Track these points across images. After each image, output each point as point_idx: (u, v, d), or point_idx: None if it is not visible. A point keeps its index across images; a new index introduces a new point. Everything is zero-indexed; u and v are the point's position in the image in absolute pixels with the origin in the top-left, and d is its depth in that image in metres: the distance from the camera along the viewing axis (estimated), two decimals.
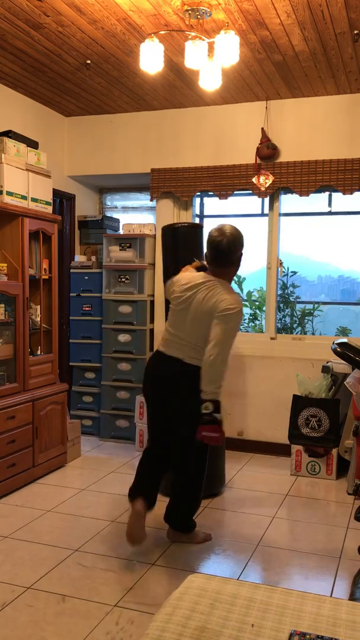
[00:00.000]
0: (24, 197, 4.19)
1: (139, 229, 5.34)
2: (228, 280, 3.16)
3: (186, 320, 3.09)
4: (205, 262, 3.27)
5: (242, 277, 5.49)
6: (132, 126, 5.32)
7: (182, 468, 3.27)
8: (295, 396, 4.53)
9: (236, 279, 5.41)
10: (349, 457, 4.30)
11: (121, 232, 5.65)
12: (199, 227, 4.17)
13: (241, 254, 3.14)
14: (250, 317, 5.52)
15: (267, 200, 5.11)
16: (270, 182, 4.84)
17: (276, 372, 4.98)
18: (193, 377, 2.98)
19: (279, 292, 5.22)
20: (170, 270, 4.02)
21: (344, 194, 4.71)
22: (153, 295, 5.36)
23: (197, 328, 3.05)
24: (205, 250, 3.15)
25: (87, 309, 5.49)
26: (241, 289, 5.49)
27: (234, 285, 4.21)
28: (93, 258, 5.58)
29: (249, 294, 5.50)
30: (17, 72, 4.37)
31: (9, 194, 4.03)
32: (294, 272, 5.31)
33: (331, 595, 2.77)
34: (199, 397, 2.94)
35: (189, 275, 3.23)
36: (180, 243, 4.05)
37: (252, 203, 5.21)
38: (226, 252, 3.04)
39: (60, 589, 2.78)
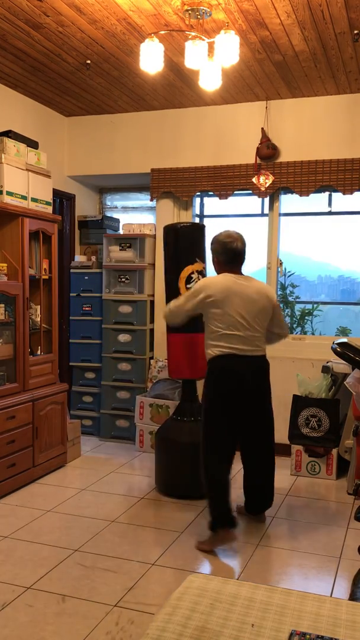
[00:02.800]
0: (24, 197, 4.19)
1: (139, 229, 5.34)
2: None
3: (248, 317, 3.32)
4: (219, 265, 3.51)
5: None
6: (132, 126, 5.32)
7: (270, 453, 3.63)
8: (295, 396, 4.53)
9: None
10: (349, 457, 4.30)
11: (121, 232, 5.65)
12: (201, 227, 4.18)
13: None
14: None
15: (267, 200, 5.11)
16: (270, 182, 4.84)
17: (276, 372, 4.95)
18: (268, 366, 3.49)
19: (279, 292, 5.22)
20: (172, 270, 4.04)
21: (344, 194, 4.71)
22: (153, 295, 5.36)
23: (263, 321, 3.41)
24: (216, 254, 3.47)
25: (87, 309, 5.48)
26: None
27: None
28: (93, 258, 5.57)
29: None
30: (17, 72, 4.37)
31: (9, 194, 4.03)
32: (292, 272, 5.31)
33: (331, 595, 2.77)
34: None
35: (221, 281, 3.37)
36: (182, 243, 4.05)
37: (252, 203, 5.21)
38: (243, 252, 3.46)
39: (60, 589, 2.78)
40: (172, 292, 4.06)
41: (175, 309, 3.51)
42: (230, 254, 3.42)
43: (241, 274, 3.46)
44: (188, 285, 4.01)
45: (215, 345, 3.32)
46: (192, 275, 4.05)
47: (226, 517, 3.26)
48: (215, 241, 3.48)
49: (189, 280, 4.03)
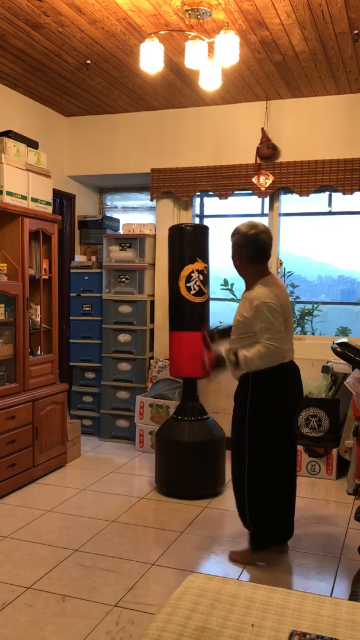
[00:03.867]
0: (24, 197, 4.19)
1: (139, 229, 5.34)
2: None
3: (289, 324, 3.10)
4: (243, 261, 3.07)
5: (230, 282, 5.48)
6: (132, 126, 5.32)
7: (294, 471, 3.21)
8: None
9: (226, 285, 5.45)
10: (349, 457, 4.30)
11: (121, 232, 5.64)
12: (205, 228, 4.21)
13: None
14: None
15: (267, 200, 5.11)
16: (270, 182, 4.84)
17: None
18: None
19: None
20: (176, 271, 4.07)
21: (344, 194, 4.71)
22: (153, 295, 5.36)
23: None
24: (239, 248, 3.02)
25: (87, 309, 5.48)
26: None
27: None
28: (93, 258, 5.57)
29: None
30: (17, 72, 4.37)
31: (9, 194, 4.03)
32: (290, 272, 5.31)
33: (331, 595, 2.77)
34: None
35: (275, 282, 3.05)
36: (187, 244, 4.09)
37: (252, 203, 5.21)
38: (270, 246, 3.04)
39: (60, 589, 2.78)
40: (172, 290, 4.09)
41: (275, 341, 2.87)
42: (257, 247, 2.97)
43: (265, 271, 3.04)
44: (187, 284, 4.04)
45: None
46: (192, 275, 4.06)
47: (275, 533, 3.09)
48: (237, 232, 3.02)
49: (188, 279, 4.06)
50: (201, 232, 4.19)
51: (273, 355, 2.85)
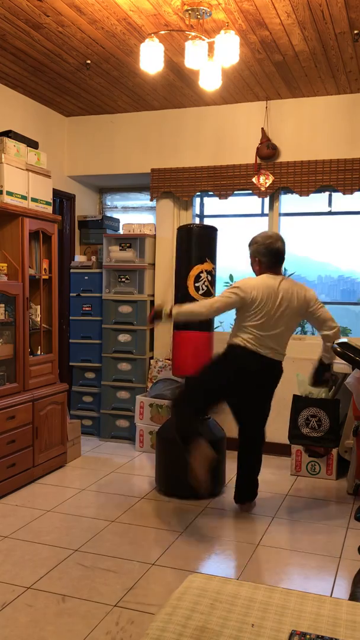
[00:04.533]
0: (24, 197, 4.19)
1: (139, 229, 5.34)
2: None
3: (281, 321, 3.47)
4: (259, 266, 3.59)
5: (236, 279, 5.50)
6: (132, 126, 5.32)
7: (261, 440, 3.81)
8: (295, 396, 4.52)
9: (230, 281, 5.44)
10: (349, 457, 4.30)
11: (121, 232, 5.64)
12: (213, 229, 4.23)
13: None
14: None
15: (267, 200, 5.11)
16: (270, 182, 4.84)
17: None
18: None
19: None
20: (185, 270, 4.08)
21: (344, 194, 4.71)
22: (153, 295, 5.37)
23: (293, 325, 3.59)
24: (258, 255, 3.54)
25: (87, 309, 5.48)
26: None
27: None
28: (93, 258, 5.58)
29: None
30: (17, 72, 4.37)
31: (9, 194, 4.03)
32: (292, 273, 5.30)
33: (331, 595, 2.77)
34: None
35: (263, 282, 3.48)
36: (196, 244, 4.10)
37: (252, 203, 5.21)
38: (284, 252, 3.58)
39: (60, 589, 2.78)
40: (180, 289, 4.09)
41: (207, 308, 3.51)
42: (274, 254, 3.51)
43: (281, 274, 3.59)
44: (196, 284, 4.06)
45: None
46: (201, 275, 4.10)
47: (194, 430, 3.48)
48: (255, 242, 3.55)
49: (197, 279, 4.08)
50: (210, 233, 4.23)
51: (196, 316, 3.61)
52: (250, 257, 3.61)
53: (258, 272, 3.57)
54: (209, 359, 3.82)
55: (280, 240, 3.53)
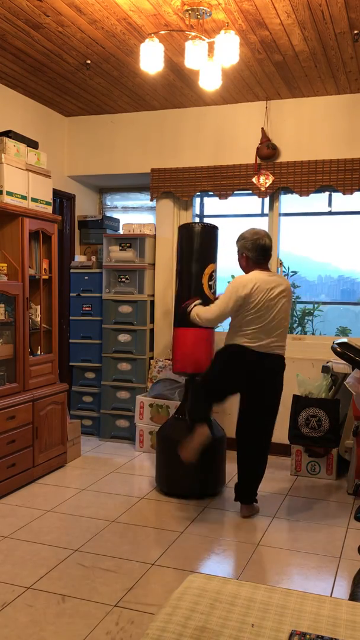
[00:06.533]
0: (24, 197, 4.19)
1: (139, 229, 5.34)
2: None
3: (277, 316, 3.54)
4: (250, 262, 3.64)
5: None
6: (132, 126, 5.32)
7: (267, 439, 3.77)
8: (295, 396, 4.52)
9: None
10: (349, 457, 4.30)
11: (121, 232, 5.64)
12: (213, 227, 4.22)
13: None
14: None
15: (267, 200, 5.11)
16: (270, 182, 4.84)
17: None
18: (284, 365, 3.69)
19: None
20: (184, 271, 4.07)
21: (344, 194, 4.71)
22: (153, 295, 5.37)
23: (286, 318, 3.64)
24: (245, 251, 3.60)
25: (87, 309, 5.48)
26: None
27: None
28: (93, 258, 5.58)
29: None
30: (17, 72, 4.37)
31: (9, 194, 4.03)
32: (295, 272, 5.31)
33: (331, 595, 2.77)
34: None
35: (260, 277, 3.55)
36: (196, 243, 4.09)
37: (252, 203, 5.21)
38: (270, 248, 3.64)
39: (60, 589, 2.78)
40: (193, 287, 4.06)
41: (219, 312, 3.59)
42: (262, 251, 3.57)
43: (269, 270, 3.66)
44: (210, 282, 4.07)
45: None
46: (213, 274, 4.12)
47: (205, 413, 3.63)
48: (242, 238, 3.62)
49: (210, 277, 4.10)
50: (216, 232, 4.22)
51: (202, 322, 3.67)
52: (238, 252, 3.69)
53: (245, 268, 3.66)
54: (212, 359, 3.84)
55: (267, 237, 3.60)
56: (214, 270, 4.13)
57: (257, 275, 3.55)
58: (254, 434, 3.72)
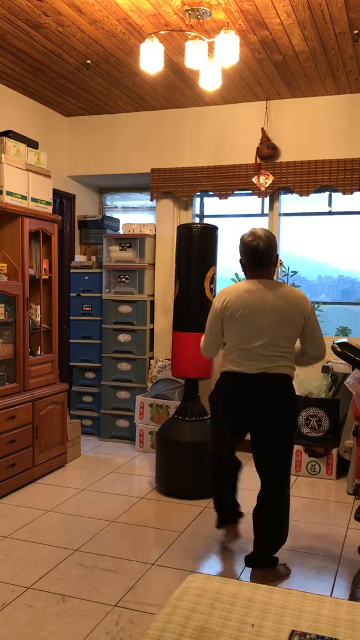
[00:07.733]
0: (24, 197, 4.18)
1: (139, 229, 5.34)
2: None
3: (264, 328, 2.88)
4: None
5: (241, 278, 5.49)
6: (132, 126, 5.32)
7: (274, 493, 2.99)
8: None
9: (236, 279, 5.42)
10: (349, 457, 4.30)
11: (121, 232, 5.64)
12: (214, 228, 4.22)
13: (277, 255, 3.06)
14: None
15: (267, 200, 5.11)
16: (270, 182, 4.84)
17: None
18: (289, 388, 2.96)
19: None
20: (200, 271, 4.08)
21: (344, 194, 4.71)
22: (153, 295, 5.37)
23: (282, 331, 2.90)
24: (240, 255, 3.00)
25: (87, 309, 5.49)
26: None
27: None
28: (93, 258, 5.58)
29: None
30: (17, 72, 4.37)
31: (9, 194, 4.03)
32: (295, 272, 5.31)
33: (331, 595, 2.77)
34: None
35: (235, 291, 2.96)
36: (195, 244, 4.10)
37: (252, 203, 5.21)
38: (264, 253, 2.92)
39: (60, 589, 2.78)
40: (195, 290, 4.07)
41: (205, 338, 3.13)
42: (251, 254, 2.93)
43: (266, 278, 2.96)
44: (211, 285, 4.08)
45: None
46: (214, 277, 4.13)
47: (222, 514, 3.26)
48: (240, 239, 3.00)
49: (211, 280, 4.11)
50: (215, 234, 4.23)
51: (203, 354, 3.21)
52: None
53: (244, 273, 3.07)
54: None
55: (262, 239, 2.90)
56: (215, 273, 4.14)
57: (234, 288, 2.98)
58: (262, 489, 3.00)
